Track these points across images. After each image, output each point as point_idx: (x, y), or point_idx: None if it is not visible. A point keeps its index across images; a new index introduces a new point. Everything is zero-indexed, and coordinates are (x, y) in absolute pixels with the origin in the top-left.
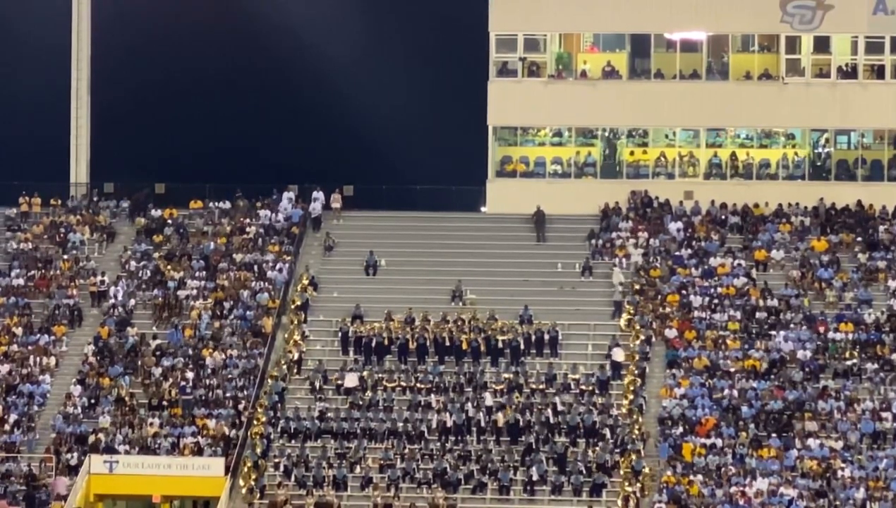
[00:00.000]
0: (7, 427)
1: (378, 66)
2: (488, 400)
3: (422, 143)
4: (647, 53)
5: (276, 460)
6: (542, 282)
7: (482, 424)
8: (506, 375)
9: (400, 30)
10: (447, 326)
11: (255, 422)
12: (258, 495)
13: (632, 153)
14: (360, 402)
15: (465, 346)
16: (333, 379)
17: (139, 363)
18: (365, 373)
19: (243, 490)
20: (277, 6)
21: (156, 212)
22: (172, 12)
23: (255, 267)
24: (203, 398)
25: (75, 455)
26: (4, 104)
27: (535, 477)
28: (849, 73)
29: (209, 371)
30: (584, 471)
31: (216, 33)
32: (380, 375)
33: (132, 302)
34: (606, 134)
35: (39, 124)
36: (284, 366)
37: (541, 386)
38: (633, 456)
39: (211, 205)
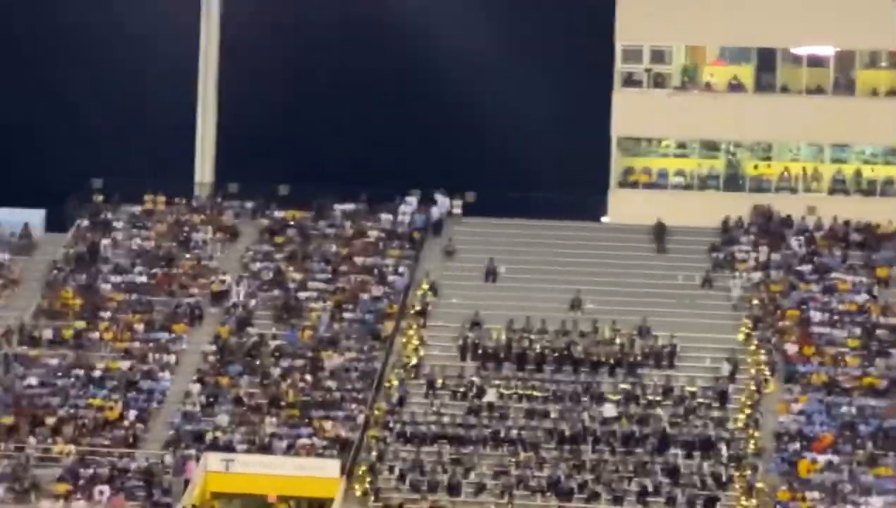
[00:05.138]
0: (126, 423)
1: (505, 73)
2: (606, 410)
3: (546, 151)
4: (774, 67)
5: (392, 463)
6: (661, 294)
7: (598, 434)
8: (623, 386)
9: (527, 38)
10: (565, 336)
11: (371, 425)
12: (373, 498)
13: (755, 167)
14: (478, 408)
15: (582, 356)
16: (451, 385)
17: (258, 363)
18: (482, 380)
19: (358, 493)
20: (406, 11)
21: (278, 214)
22: (300, 13)
23: (376, 271)
24: (320, 399)
25: (193, 452)
26: (132, 102)
27: (649, 488)
28: None
29: (327, 373)
30: (699, 484)
31: (343, 37)
32: (497, 382)
33: (253, 302)
34: (730, 147)
35: (166, 123)
36: (402, 370)
37: (657, 398)
38: (749, 471)
39: (334, 207)
